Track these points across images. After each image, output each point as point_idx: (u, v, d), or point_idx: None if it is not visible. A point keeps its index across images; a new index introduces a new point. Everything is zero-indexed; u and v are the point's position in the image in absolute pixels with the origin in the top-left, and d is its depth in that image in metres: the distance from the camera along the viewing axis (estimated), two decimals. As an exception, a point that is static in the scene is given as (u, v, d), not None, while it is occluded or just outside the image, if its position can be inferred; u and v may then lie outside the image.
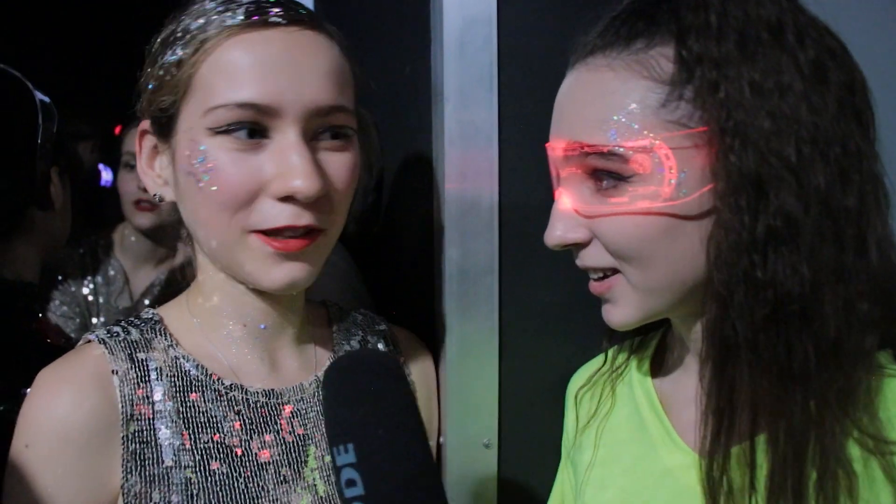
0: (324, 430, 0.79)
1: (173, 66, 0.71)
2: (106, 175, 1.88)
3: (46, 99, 1.14)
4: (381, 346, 0.89)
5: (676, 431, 0.72)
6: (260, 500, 0.73)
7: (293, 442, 0.77)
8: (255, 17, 0.70)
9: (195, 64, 0.70)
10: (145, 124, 0.77)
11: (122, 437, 0.70)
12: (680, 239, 0.62)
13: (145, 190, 1.79)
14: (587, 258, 0.68)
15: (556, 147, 0.68)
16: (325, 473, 0.78)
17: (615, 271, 0.67)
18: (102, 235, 1.82)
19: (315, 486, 0.77)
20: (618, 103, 0.62)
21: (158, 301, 0.84)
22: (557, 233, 0.68)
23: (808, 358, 0.58)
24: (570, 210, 0.67)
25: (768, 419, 0.60)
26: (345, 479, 0.55)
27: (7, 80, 1.12)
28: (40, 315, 1.14)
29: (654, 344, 0.81)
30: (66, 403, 0.69)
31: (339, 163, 0.73)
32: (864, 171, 0.60)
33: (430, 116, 0.96)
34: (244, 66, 0.69)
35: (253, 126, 0.69)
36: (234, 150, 0.69)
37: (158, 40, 0.74)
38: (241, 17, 0.70)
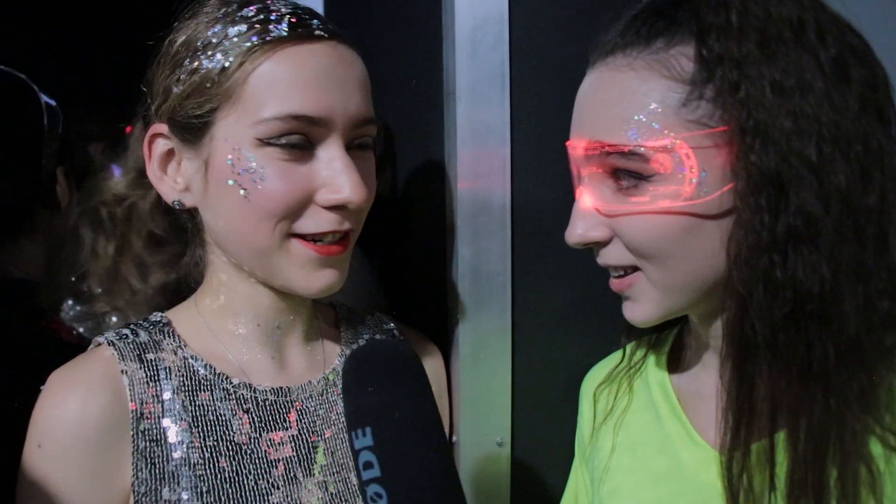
0: (331, 427, 0.80)
1: (215, 74, 0.71)
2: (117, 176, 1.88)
3: (51, 101, 1.15)
4: None
5: (695, 428, 0.72)
6: (269, 498, 0.74)
7: (302, 440, 0.78)
8: (301, 30, 0.71)
9: (242, 74, 0.70)
10: (160, 128, 0.75)
11: (132, 435, 0.71)
12: (700, 238, 0.62)
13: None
14: (608, 256, 0.68)
15: (576, 146, 0.68)
16: (333, 470, 0.78)
17: (635, 269, 0.67)
18: None
19: (325, 483, 0.77)
20: (638, 103, 0.62)
21: (166, 297, 0.84)
22: (578, 231, 0.68)
23: (827, 357, 0.58)
24: (591, 209, 0.67)
25: (788, 417, 0.60)
26: (362, 461, 0.57)
27: (12, 83, 1.13)
28: (50, 313, 1.14)
29: (670, 340, 0.81)
30: (77, 403, 0.70)
31: (367, 170, 0.77)
32: (885, 169, 0.59)
33: (442, 116, 0.96)
34: (294, 79, 0.70)
35: (302, 137, 0.71)
36: (282, 160, 0.71)
37: (179, 42, 0.74)
38: (286, 29, 0.71)
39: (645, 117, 0.62)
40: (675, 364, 0.79)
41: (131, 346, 0.75)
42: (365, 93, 0.75)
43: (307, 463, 0.77)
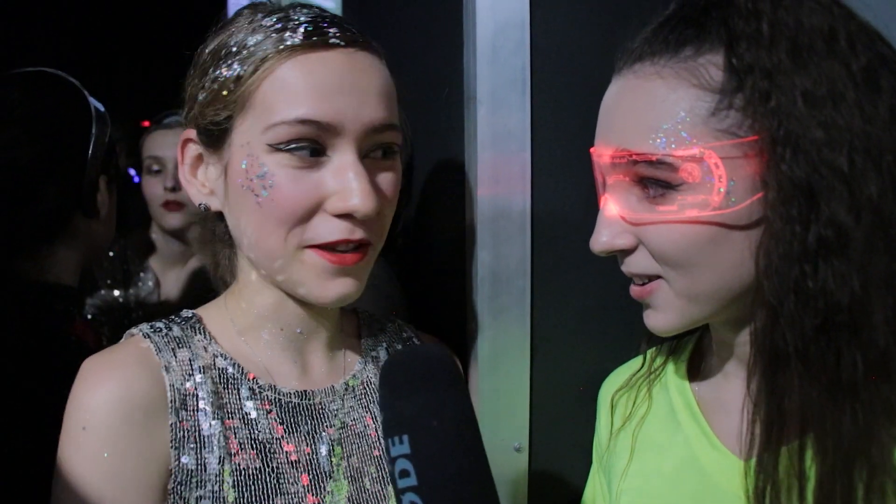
0: (351, 431, 0.81)
1: (231, 82, 0.73)
2: (135, 179, 1.92)
3: (101, 107, 1.16)
4: None
5: (716, 435, 0.71)
6: (291, 498, 0.75)
7: (323, 442, 0.79)
8: (315, 38, 0.72)
9: (255, 81, 0.72)
10: (190, 133, 0.78)
11: (171, 424, 0.72)
12: (727, 247, 0.62)
13: (171, 190, 1.80)
14: (632, 265, 0.68)
15: (602, 154, 0.67)
16: (349, 474, 0.79)
17: (656, 277, 0.67)
18: (132, 239, 1.84)
19: (343, 485, 0.78)
20: (667, 111, 0.62)
21: (189, 301, 0.85)
22: (603, 239, 0.68)
23: (856, 368, 0.58)
24: (617, 217, 0.67)
25: (817, 428, 0.60)
26: (398, 469, 0.56)
27: (64, 88, 1.14)
28: (78, 318, 1.16)
29: (690, 347, 0.81)
30: (120, 384, 0.71)
31: (387, 179, 0.76)
32: None
33: (462, 121, 0.96)
34: (305, 85, 0.70)
35: (313, 144, 0.71)
36: (293, 167, 0.71)
37: (207, 51, 0.76)
38: (301, 37, 0.71)
39: (673, 126, 0.62)
40: (695, 371, 0.79)
41: (166, 340, 0.76)
42: (384, 99, 0.74)
43: (328, 465, 0.78)
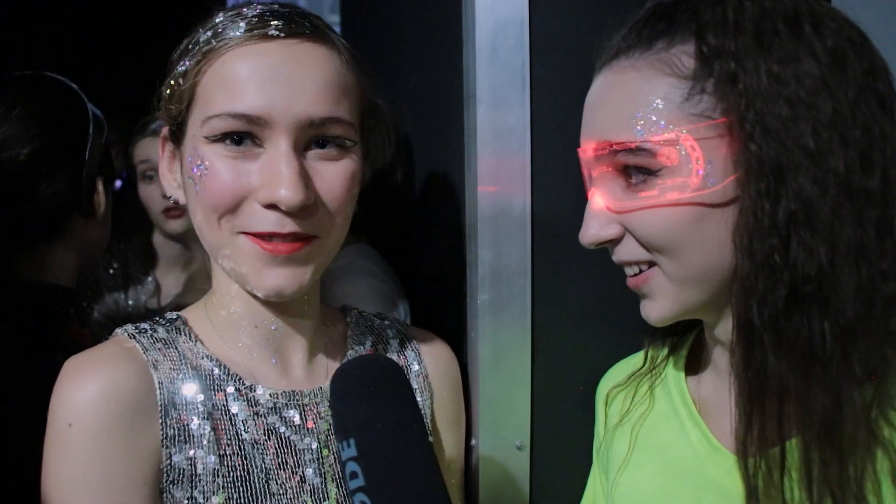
0: (332, 429, 0.80)
1: (180, 76, 0.75)
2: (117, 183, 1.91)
3: (98, 111, 1.18)
4: (395, 347, 0.90)
5: (713, 433, 0.72)
6: (279, 499, 0.74)
7: (308, 442, 0.78)
8: (255, 31, 0.72)
9: (198, 74, 0.73)
10: (165, 131, 0.80)
11: (161, 422, 0.72)
12: (709, 228, 0.63)
13: (170, 198, 1.81)
14: (622, 253, 0.70)
15: (586, 149, 0.70)
16: (336, 475, 0.79)
17: (650, 265, 0.68)
18: (132, 243, 1.84)
19: (331, 486, 0.78)
20: (643, 101, 0.64)
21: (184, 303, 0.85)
22: (591, 231, 0.69)
23: (825, 339, 0.59)
24: (603, 208, 0.69)
25: (793, 401, 0.61)
26: (348, 471, 0.60)
27: (63, 91, 1.15)
28: (76, 321, 1.16)
29: (688, 345, 0.81)
30: (106, 381, 0.70)
31: (333, 173, 0.74)
32: (888, 153, 0.60)
33: (462, 119, 0.96)
34: (239, 77, 0.71)
35: (245, 136, 0.71)
36: (226, 156, 0.72)
37: (177, 52, 0.77)
38: (242, 30, 0.72)
39: (649, 114, 0.64)
40: (692, 369, 0.79)
41: (151, 340, 0.76)
42: (326, 92, 0.73)
43: (314, 466, 0.78)
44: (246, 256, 0.73)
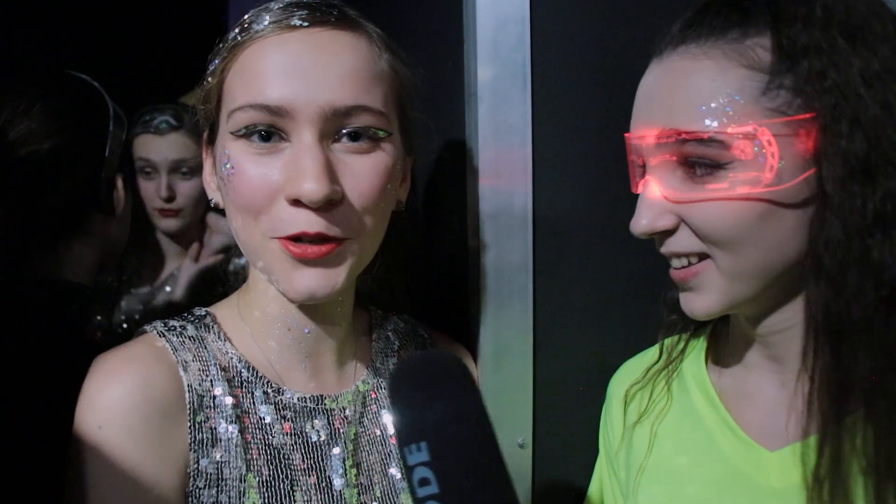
0: (362, 436, 0.79)
1: (210, 76, 0.74)
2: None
3: (119, 109, 1.18)
4: (417, 349, 0.89)
5: (741, 427, 0.71)
6: (303, 502, 0.73)
7: (335, 447, 0.77)
8: (278, 22, 0.70)
9: (224, 71, 0.72)
10: (205, 134, 0.79)
11: (189, 426, 0.70)
12: (775, 224, 0.63)
13: (167, 200, 1.80)
14: (673, 245, 0.69)
15: (645, 135, 0.68)
16: (360, 481, 0.78)
17: (701, 258, 0.67)
18: (139, 239, 1.84)
19: (356, 490, 0.77)
20: (717, 90, 0.63)
21: (189, 295, 0.84)
22: (644, 221, 0.68)
23: None
24: (660, 197, 0.67)
25: (880, 399, 0.61)
26: (417, 478, 0.54)
27: (84, 88, 1.15)
28: (93, 319, 1.16)
29: (705, 339, 0.81)
30: (138, 381, 0.69)
31: (363, 166, 0.71)
32: None
33: (464, 116, 0.96)
34: (261, 68, 0.69)
35: (269, 129, 0.69)
36: (252, 153, 0.69)
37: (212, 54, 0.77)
38: (267, 23, 0.70)
39: (724, 105, 0.63)
40: (713, 362, 0.79)
41: (181, 339, 0.74)
42: (354, 80, 0.69)
43: (340, 471, 0.77)
44: (277, 260, 0.70)
